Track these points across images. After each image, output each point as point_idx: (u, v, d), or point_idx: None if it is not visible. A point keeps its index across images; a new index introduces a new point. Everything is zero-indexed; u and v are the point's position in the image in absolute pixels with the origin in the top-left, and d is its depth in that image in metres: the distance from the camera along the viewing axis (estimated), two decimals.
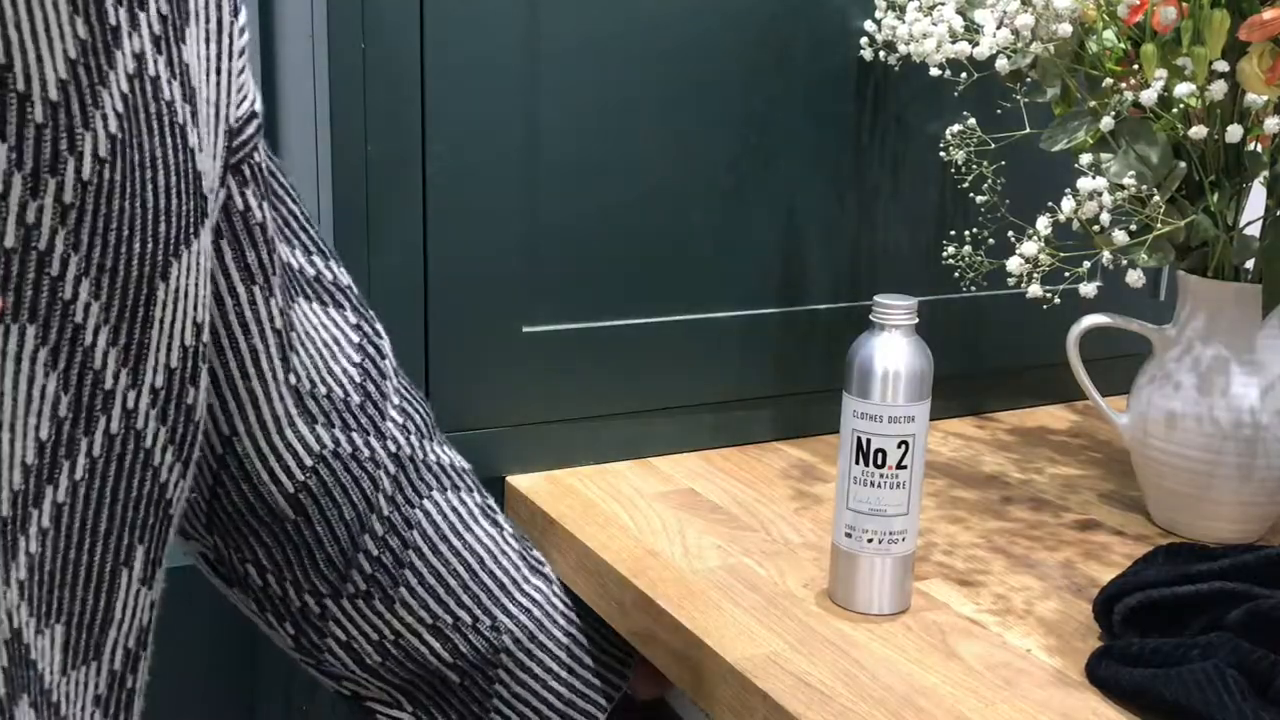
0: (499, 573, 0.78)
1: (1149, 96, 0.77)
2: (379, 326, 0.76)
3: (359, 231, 0.86)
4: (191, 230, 0.55)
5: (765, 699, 0.64)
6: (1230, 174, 0.82)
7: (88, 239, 0.50)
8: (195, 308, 0.56)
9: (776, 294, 1.03)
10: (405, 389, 0.78)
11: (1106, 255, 0.77)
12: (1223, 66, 0.75)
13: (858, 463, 0.71)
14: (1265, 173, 0.81)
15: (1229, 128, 0.76)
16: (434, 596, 0.75)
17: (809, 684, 0.65)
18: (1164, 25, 0.76)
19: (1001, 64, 0.86)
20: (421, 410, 0.78)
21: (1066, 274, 0.78)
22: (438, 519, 0.76)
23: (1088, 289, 0.78)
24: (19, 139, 0.46)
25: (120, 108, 0.51)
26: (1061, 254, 0.78)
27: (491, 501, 0.81)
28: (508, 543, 0.80)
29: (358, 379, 0.72)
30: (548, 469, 0.96)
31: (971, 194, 0.96)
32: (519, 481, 0.93)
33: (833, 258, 1.05)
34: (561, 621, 0.81)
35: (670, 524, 0.86)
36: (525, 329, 0.93)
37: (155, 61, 0.53)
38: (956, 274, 0.92)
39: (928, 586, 0.78)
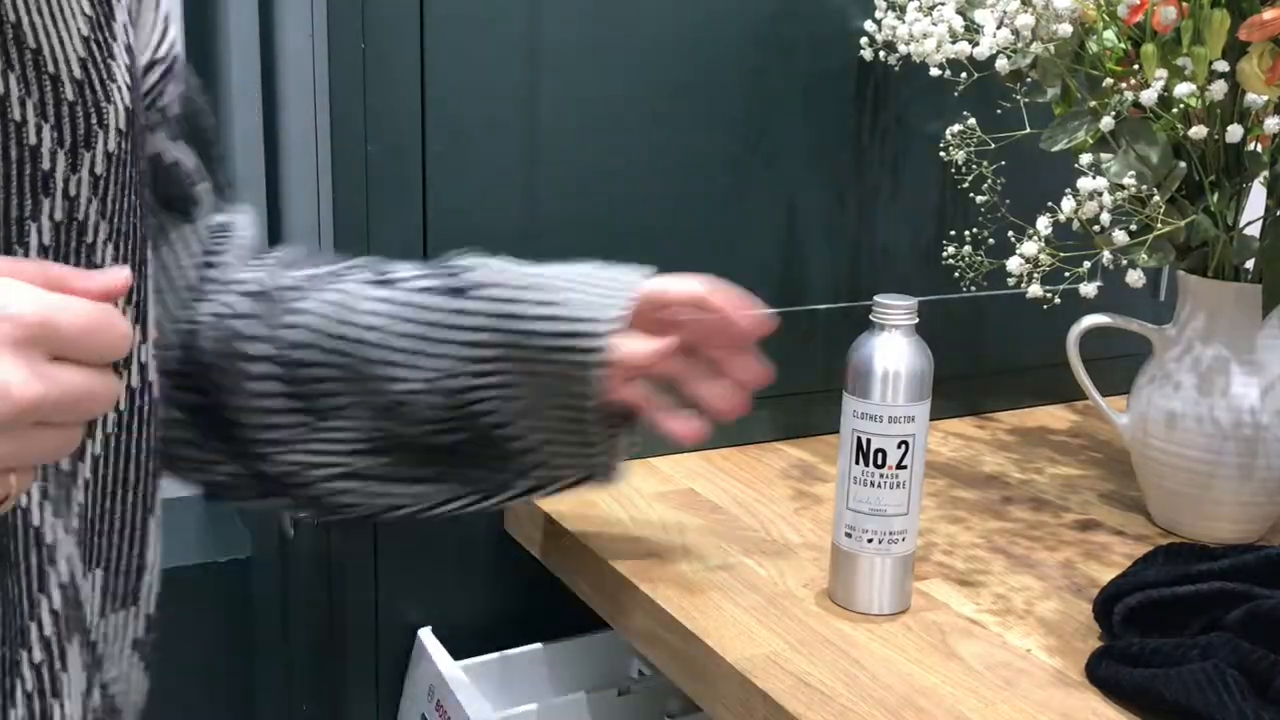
0: (412, 328, 0.68)
1: (1149, 96, 0.77)
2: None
3: (359, 231, 0.86)
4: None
5: (765, 699, 0.64)
6: (1230, 174, 0.82)
7: (111, 207, 0.53)
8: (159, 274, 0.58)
9: (776, 294, 1.03)
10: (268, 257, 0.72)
11: (1106, 255, 0.77)
12: (1223, 66, 0.75)
13: (858, 463, 0.70)
14: (1265, 173, 0.81)
15: (1229, 128, 0.76)
16: (368, 379, 0.67)
17: (809, 684, 0.65)
18: (1164, 25, 0.76)
19: (1001, 64, 0.86)
20: (290, 253, 0.73)
21: (1066, 274, 0.78)
22: (325, 310, 0.68)
23: (1088, 289, 0.78)
24: (57, 118, 0.49)
25: (128, 79, 0.53)
26: (1061, 254, 0.78)
27: (378, 264, 0.71)
28: (406, 291, 0.69)
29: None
30: None
31: (971, 194, 0.96)
32: None
33: (833, 258, 1.05)
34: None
35: (670, 524, 0.86)
36: None
37: (128, 29, 0.55)
38: (956, 274, 0.92)
39: (928, 586, 0.78)
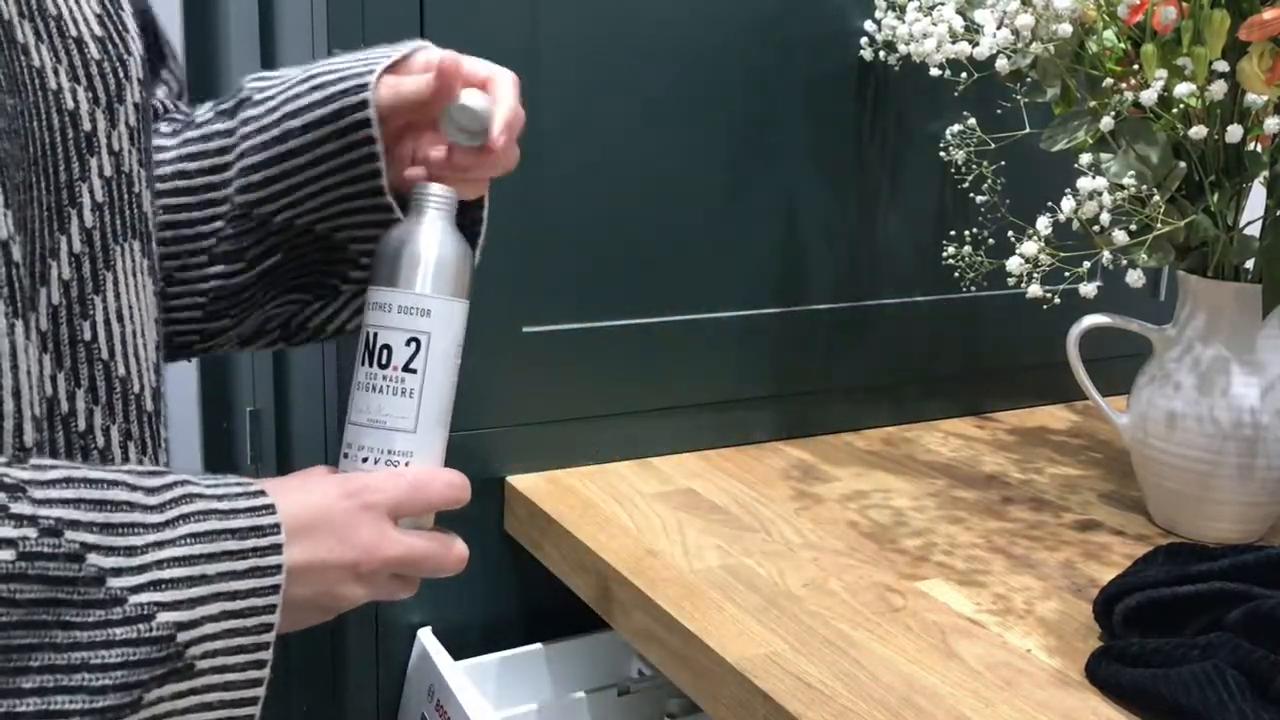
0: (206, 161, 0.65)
1: (1149, 96, 0.77)
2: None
3: None
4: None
5: (765, 699, 0.64)
6: (1230, 174, 0.82)
7: (144, 154, 0.55)
8: None
9: (776, 294, 1.03)
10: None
11: (1106, 255, 0.77)
12: (1223, 66, 0.75)
13: (363, 364, 0.58)
14: (1265, 173, 0.81)
15: (1229, 128, 0.76)
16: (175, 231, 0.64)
17: (809, 684, 0.65)
18: (1164, 25, 0.76)
19: (1001, 64, 0.86)
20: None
21: (1066, 274, 0.78)
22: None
23: (1088, 289, 0.78)
24: (88, 78, 0.51)
25: (138, 30, 0.55)
26: (1061, 254, 0.78)
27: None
28: (198, 125, 0.66)
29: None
30: (548, 469, 0.96)
31: (971, 194, 0.96)
32: (519, 481, 0.93)
33: (833, 258, 1.05)
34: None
35: (670, 524, 0.86)
36: (525, 329, 0.93)
37: None
38: (956, 274, 0.92)
39: (928, 586, 0.78)
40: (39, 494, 0.44)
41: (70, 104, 0.50)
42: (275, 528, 0.49)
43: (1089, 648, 0.69)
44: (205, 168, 0.63)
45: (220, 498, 0.49)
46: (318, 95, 0.60)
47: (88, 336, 0.52)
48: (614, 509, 0.89)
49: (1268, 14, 0.72)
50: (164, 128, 0.66)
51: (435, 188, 0.59)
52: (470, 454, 0.92)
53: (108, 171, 0.52)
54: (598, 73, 0.92)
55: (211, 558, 0.47)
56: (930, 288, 1.09)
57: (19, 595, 0.42)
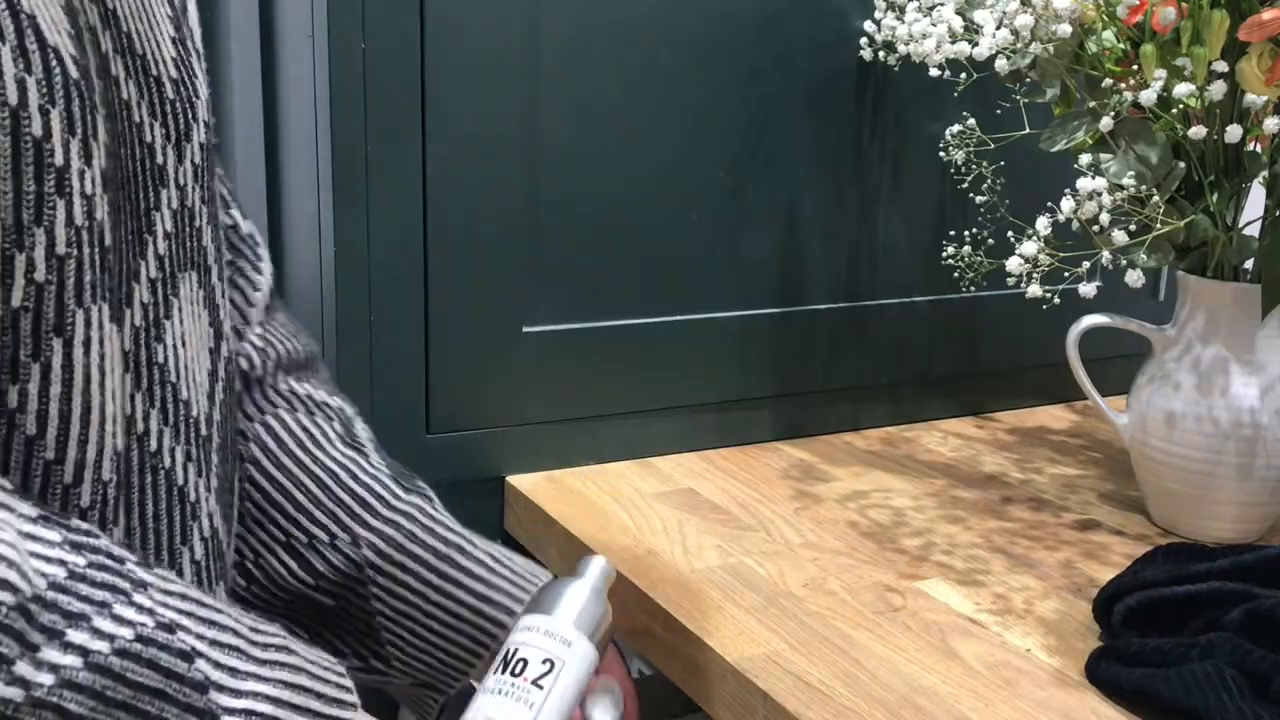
0: (359, 489, 0.72)
1: (1149, 96, 0.77)
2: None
3: (359, 232, 0.86)
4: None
5: (765, 699, 0.64)
6: (1230, 174, 0.82)
7: (205, 190, 0.58)
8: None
9: (776, 294, 1.03)
10: (285, 328, 0.75)
11: (1106, 255, 0.77)
12: (1222, 66, 0.75)
13: (496, 673, 0.60)
14: (1265, 173, 0.82)
15: (1228, 128, 0.76)
16: (282, 513, 0.71)
17: (809, 683, 0.65)
18: (1164, 25, 0.76)
19: (1001, 64, 0.86)
20: (293, 347, 0.75)
21: (1066, 274, 0.78)
22: (280, 433, 0.71)
23: (1087, 289, 0.78)
24: (164, 116, 0.54)
25: (205, 73, 0.58)
26: (1061, 254, 0.78)
27: (362, 435, 0.75)
28: (374, 465, 0.74)
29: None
30: (548, 469, 0.96)
31: (971, 194, 0.96)
32: (519, 481, 0.93)
33: (833, 258, 1.05)
34: (441, 531, 0.73)
35: (670, 524, 0.86)
36: (525, 329, 0.93)
37: (196, 25, 0.61)
38: (956, 274, 0.92)
39: (928, 586, 0.78)
40: (158, 596, 0.45)
41: (149, 138, 0.53)
42: (354, 706, 0.50)
43: (1089, 647, 0.69)
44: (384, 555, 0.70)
45: (313, 663, 0.50)
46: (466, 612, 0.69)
47: (160, 360, 0.54)
48: (614, 509, 0.89)
49: (1267, 14, 0.72)
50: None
51: (601, 560, 0.65)
52: (470, 454, 0.92)
53: (174, 204, 0.55)
54: (597, 74, 0.92)
55: (296, 709, 0.48)
56: (930, 288, 1.09)
57: (129, 675, 0.42)
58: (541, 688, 0.59)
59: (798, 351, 1.05)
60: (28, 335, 0.46)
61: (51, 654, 0.41)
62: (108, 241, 0.49)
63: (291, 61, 0.91)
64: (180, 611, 0.46)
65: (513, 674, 0.59)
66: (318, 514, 0.72)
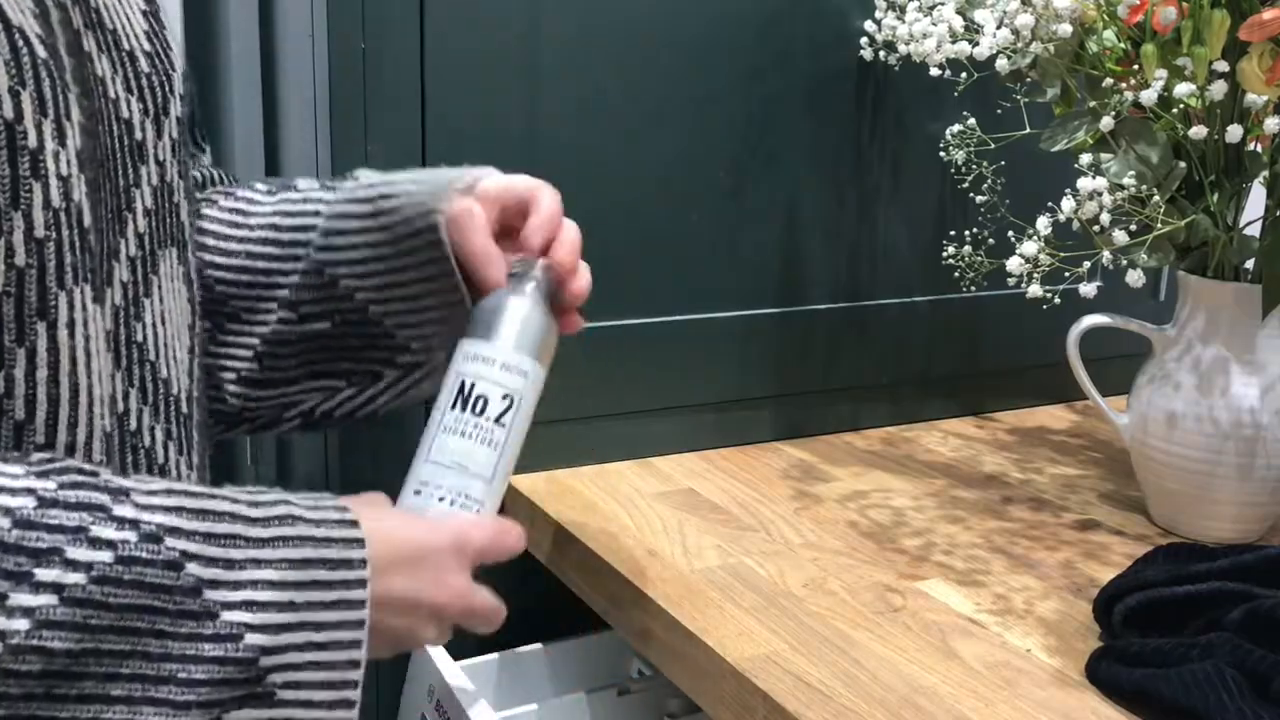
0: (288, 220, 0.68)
1: (1149, 96, 0.77)
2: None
3: None
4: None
5: (765, 699, 0.64)
6: (1230, 174, 0.82)
7: (182, 165, 0.57)
8: None
9: (776, 294, 1.03)
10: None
11: (1106, 255, 0.77)
12: (1223, 66, 0.75)
13: (453, 408, 0.60)
14: (1265, 173, 0.81)
15: (1229, 128, 0.76)
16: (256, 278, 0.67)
17: (809, 684, 0.65)
18: (1164, 25, 0.76)
19: (1001, 64, 0.86)
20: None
21: (1066, 274, 0.78)
22: (219, 226, 0.68)
23: (1088, 289, 0.78)
24: (139, 90, 0.53)
25: (179, 49, 0.57)
26: (1061, 254, 0.78)
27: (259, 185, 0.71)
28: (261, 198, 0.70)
29: None
30: (548, 469, 0.96)
31: (971, 194, 0.96)
32: (519, 481, 0.93)
33: (833, 258, 1.05)
34: (349, 189, 0.68)
35: (670, 524, 0.86)
36: None
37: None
38: (956, 274, 0.92)
39: (928, 587, 0.78)
40: (142, 499, 0.44)
41: (126, 113, 0.52)
42: (363, 562, 0.49)
43: (1089, 647, 0.69)
44: (297, 225, 0.66)
45: (318, 523, 0.49)
46: (413, 187, 0.64)
47: (139, 338, 0.53)
48: (614, 509, 0.89)
49: (1268, 14, 0.72)
50: (250, 192, 0.69)
51: (542, 262, 0.63)
52: None
53: (154, 180, 0.54)
54: (597, 74, 0.92)
55: (301, 586, 0.47)
56: (930, 288, 1.09)
57: (112, 600, 0.42)
58: (504, 425, 0.60)
59: (798, 351, 1.05)
60: (11, 320, 0.45)
61: (21, 598, 0.40)
62: (87, 222, 0.48)
63: (291, 61, 0.91)
64: (168, 510, 0.45)
65: (474, 412, 0.60)
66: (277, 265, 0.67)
